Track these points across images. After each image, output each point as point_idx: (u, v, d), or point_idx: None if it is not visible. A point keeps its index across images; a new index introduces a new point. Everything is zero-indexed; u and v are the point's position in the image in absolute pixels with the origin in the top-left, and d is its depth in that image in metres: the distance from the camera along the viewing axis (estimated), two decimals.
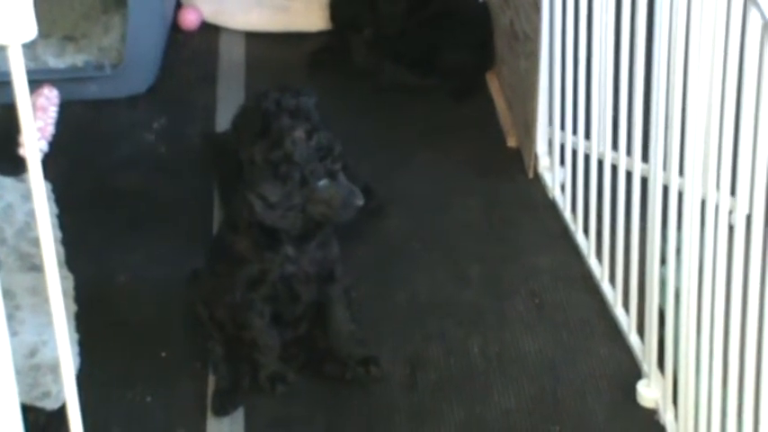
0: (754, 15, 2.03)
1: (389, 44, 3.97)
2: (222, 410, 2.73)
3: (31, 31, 1.66)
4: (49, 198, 3.20)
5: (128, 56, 3.84)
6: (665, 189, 2.55)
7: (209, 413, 2.74)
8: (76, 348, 2.84)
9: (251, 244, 2.71)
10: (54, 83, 3.78)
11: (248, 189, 2.65)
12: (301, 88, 3.13)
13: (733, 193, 2.20)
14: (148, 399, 2.79)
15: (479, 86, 3.90)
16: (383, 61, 3.95)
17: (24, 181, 3.35)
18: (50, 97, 3.74)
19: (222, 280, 2.78)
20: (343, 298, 2.82)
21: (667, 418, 2.65)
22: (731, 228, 2.21)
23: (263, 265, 2.72)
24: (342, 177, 2.69)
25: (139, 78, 3.91)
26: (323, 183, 2.65)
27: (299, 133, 2.66)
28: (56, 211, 3.27)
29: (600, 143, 3.09)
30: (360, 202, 2.69)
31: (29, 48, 3.85)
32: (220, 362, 2.81)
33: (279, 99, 3.06)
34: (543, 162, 3.47)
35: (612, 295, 2.98)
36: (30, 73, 1.72)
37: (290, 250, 2.72)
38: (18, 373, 1.79)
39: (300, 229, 2.68)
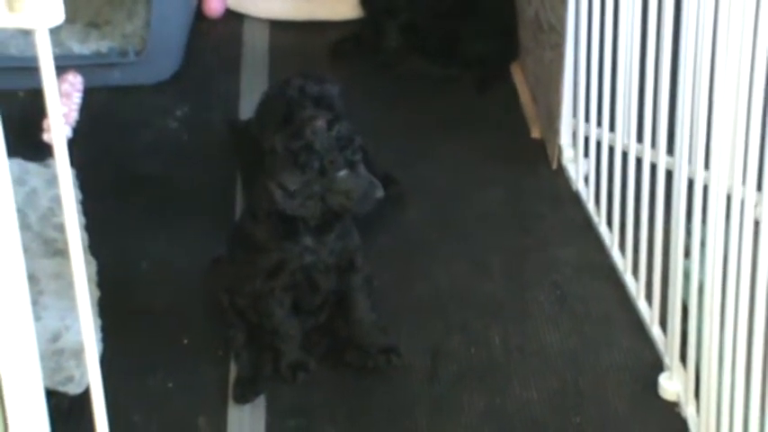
0: None
1: (416, 33, 3.96)
2: (243, 398, 2.73)
3: (58, 15, 1.66)
4: (73, 184, 3.20)
5: (151, 43, 3.85)
6: (690, 182, 2.54)
7: (230, 400, 2.74)
8: (99, 334, 2.84)
9: (270, 233, 2.71)
10: (78, 69, 3.78)
11: (268, 177, 2.66)
12: (325, 76, 3.13)
13: (759, 187, 2.18)
14: (170, 385, 2.79)
15: (502, 77, 3.89)
16: (409, 50, 3.94)
17: (49, 166, 3.36)
18: (74, 83, 3.74)
19: (243, 268, 2.78)
20: (364, 287, 2.81)
21: (689, 411, 2.64)
22: (757, 222, 2.20)
23: (283, 254, 2.72)
24: (362, 169, 2.68)
25: (163, 65, 3.91)
26: (342, 173, 2.65)
27: (321, 123, 2.66)
28: (80, 197, 3.28)
29: (624, 135, 3.08)
30: (380, 194, 2.69)
31: (53, 34, 3.86)
32: (242, 350, 2.81)
33: (302, 86, 3.05)
34: (567, 154, 3.46)
35: (635, 288, 2.97)
36: (54, 59, 1.72)
37: (309, 240, 2.71)
38: (41, 357, 1.79)
39: (320, 219, 2.68)
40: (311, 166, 2.63)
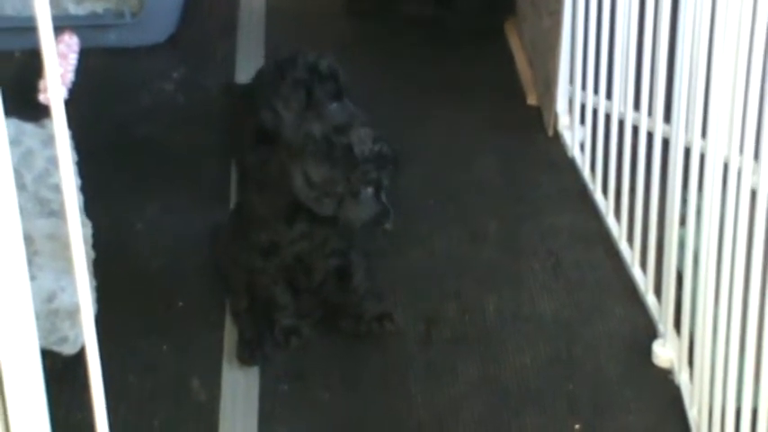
0: None
1: None
2: (251, 359, 2.72)
3: None
4: (69, 145, 3.19)
5: (148, 4, 3.83)
6: (687, 150, 2.53)
7: (224, 364, 2.74)
8: (94, 295, 2.84)
9: (269, 211, 2.67)
10: (74, 30, 3.77)
11: (292, 160, 2.58)
12: (321, 54, 3.08)
13: (757, 156, 2.18)
14: (164, 347, 2.79)
15: (495, 31, 3.88)
16: None
17: (44, 127, 3.35)
18: (71, 44, 3.73)
19: (238, 237, 2.77)
20: (362, 262, 2.80)
21: (682, 378, 2.64)
22: (753, 191, 2.20)
23: (276, 237, 2.69)
24: (383, 194, 2.61)
25: (159, 27, 3.90)
26: (366, 191, 2.59)
27: (369, 131, 2.58)
28: (75, 158, 3.27)
29: (621, 103, 3.08)
30: (389, 226, 2.61)
31: None
32: (244, 312, 2.80)
33: (314, 64, 2.98)
34: (563, 121, 3.45)
35: (630, 255, 2.98)
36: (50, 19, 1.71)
37: (304, 227, 2.66)
38: (36, 317, 1.79)
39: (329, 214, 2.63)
40: (342, 167, 2.56)
